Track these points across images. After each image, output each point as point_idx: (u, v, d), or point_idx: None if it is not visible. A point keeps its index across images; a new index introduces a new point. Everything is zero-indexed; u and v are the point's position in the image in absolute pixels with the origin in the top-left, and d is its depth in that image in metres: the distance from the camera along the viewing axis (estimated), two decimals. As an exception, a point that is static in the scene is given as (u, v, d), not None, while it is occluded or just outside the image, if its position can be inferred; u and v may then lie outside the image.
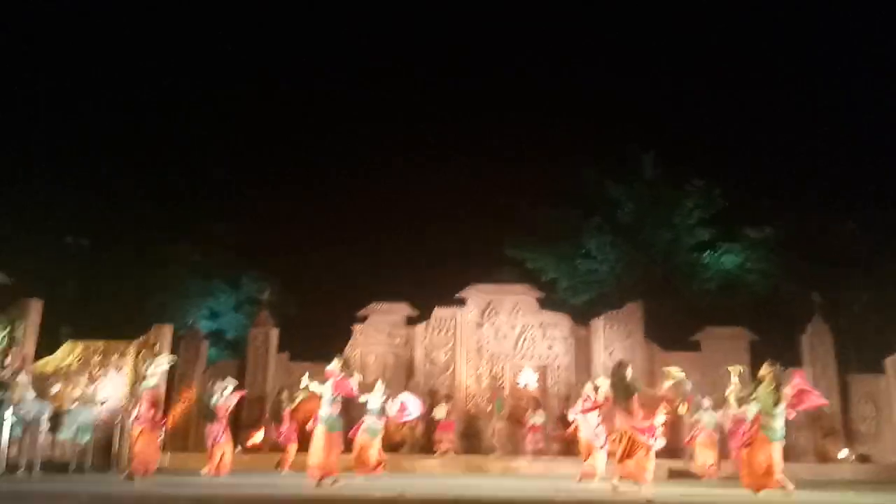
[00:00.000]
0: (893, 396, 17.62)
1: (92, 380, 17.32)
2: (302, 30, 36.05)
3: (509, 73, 32.76)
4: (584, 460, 12.90)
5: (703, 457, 14.67)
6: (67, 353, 17.97)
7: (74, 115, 28.57)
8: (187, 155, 29.05)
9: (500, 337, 19.45)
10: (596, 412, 12.54)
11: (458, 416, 18.47)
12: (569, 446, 17.13)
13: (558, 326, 19.49)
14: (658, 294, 22.95)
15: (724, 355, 18.23)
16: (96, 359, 17.85)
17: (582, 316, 20.36)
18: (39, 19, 29.54)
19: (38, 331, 17.27)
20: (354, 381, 11.79)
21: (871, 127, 27.22)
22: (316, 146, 31.05)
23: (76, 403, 16.00)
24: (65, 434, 14.66)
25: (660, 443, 10.79)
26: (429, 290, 21.08)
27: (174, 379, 18.31)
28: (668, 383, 10.76)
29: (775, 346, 16.99)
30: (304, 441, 12.31)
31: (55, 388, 16.71)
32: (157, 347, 17.88)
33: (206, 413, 14.51)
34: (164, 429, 12.42)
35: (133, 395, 15.78)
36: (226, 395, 13.82)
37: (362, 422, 13.23)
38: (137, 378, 15.81)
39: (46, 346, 17.94)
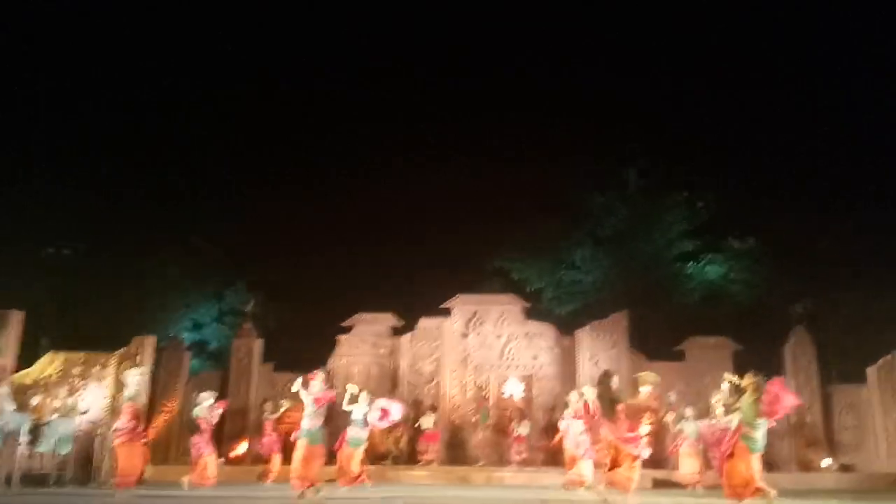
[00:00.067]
0: (875, 406, 17.72)
1: (72, 391, 17.11)
2: (297, 39, 36.04)
3: (496, 87, 32.84)
4: (568, 470, 12.90)
5: (687, 466, 14.67)
6: (47, 365, 17.73)
7: (59, 125, 28.40)
8: (170, 165, 28.95)
9: (485, 347, 19.43)
10: (581, 421, 12.53)
11: (443, 427, 18.42)
12: (553, 456, 17.13)
13: (543, 336, 19.50)
14: (642, 304, 23.00)
15: (708, 365, 18.37)
16: (77, 370, 17.64)
17: (567, 326, 20.38)
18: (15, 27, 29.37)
19: (18, 342, 17.05)
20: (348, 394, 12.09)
21: (854, 142, 27.47)
22: (302, 157, 30.97)
23: (56, 415, 15.83)
24: (44, 446, 14.47)
25: (645, 452, 10.78)
26: (414, 301, 21.06)
27: (156, 390, 18.14)
28: (645, 388, 10.78)
29: (758, 356, 17.10)
30: (288, 451, 12.21)
31: (35, 400, 16.48)
32: (138, 359, 17.72)
33: (188, 425, 14.41)
34: (145, 441, 12.26)
35: (114, 407, 15.65)
36: (206, 406, 13.74)
37: (346, 432, 13.21)
38: (119, 390, 15.65)
39: (26, 357, 17.70)
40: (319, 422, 11.00)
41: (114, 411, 15.56)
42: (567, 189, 26.44)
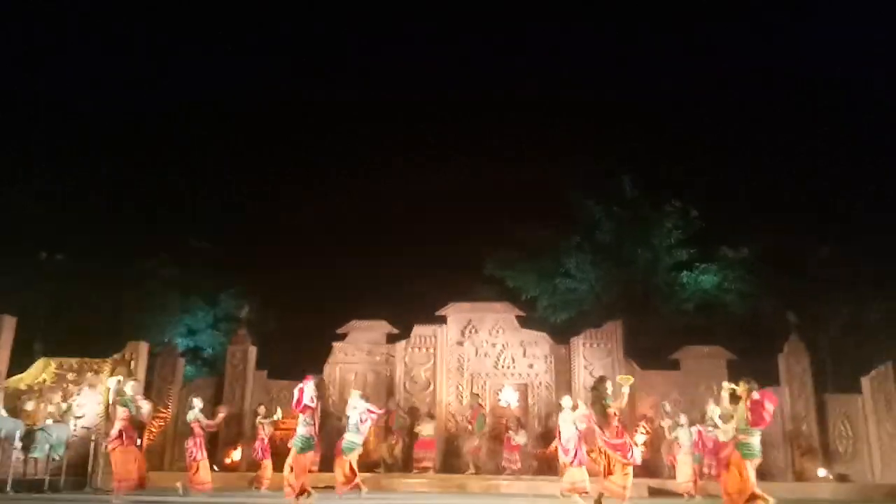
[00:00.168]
0: (869, 417, 17.77)
1: (66, 397, 17.05)
2: (296, 41, 36.07)
3: (492, 94, 32.96)
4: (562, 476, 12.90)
5: (682, 475, 14.67)
6: (41, 371, 17.69)
7: (54, 128, 28.33)
8: (165, 171, 28.89)
9: (480, 355, 19.41)
10: (571, 428, 12.51)
11: (439, 434, 18.37)
12: (548, 464, 17.13)
13: (538, 345, 19.49)
14: (637, 313, 23.08)
15: (703, 374, 18.43)
16: (71, 376, 17.61)
17: (562, 334, 20.38)
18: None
19: (11, 347, 16.95)
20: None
21: (850, 148, 27.61)
22: (296, 163, 30.98)
23: (50, 420, 15.76)
24: (38, 452, 14.39)
25: (637, 459, 10.75)
26: (409, 308, 21.06)
27: (150, 397, 18.03)
28: (625, 390, 10.81)
29: (753, 366, 17.09)
30: (282, 458, 12.17)
31: (29, 406, 16.43)
32: (132, 365, 17.68)
33: (183, 431, 14.41)
34: (140, 446, 12.22)
35: (108, 413, 15.59)
36: (197, 409, 13.84)
37: (343, 439, 13.25)
38: (112, 396, 15.59)
39: (19, 363, 17.63)
40: (312, 430, 10.98)
41: (108, 417, 15.52)
42: (562, 197, 26.51)
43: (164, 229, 27.24)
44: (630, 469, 10.55)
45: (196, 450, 13.64)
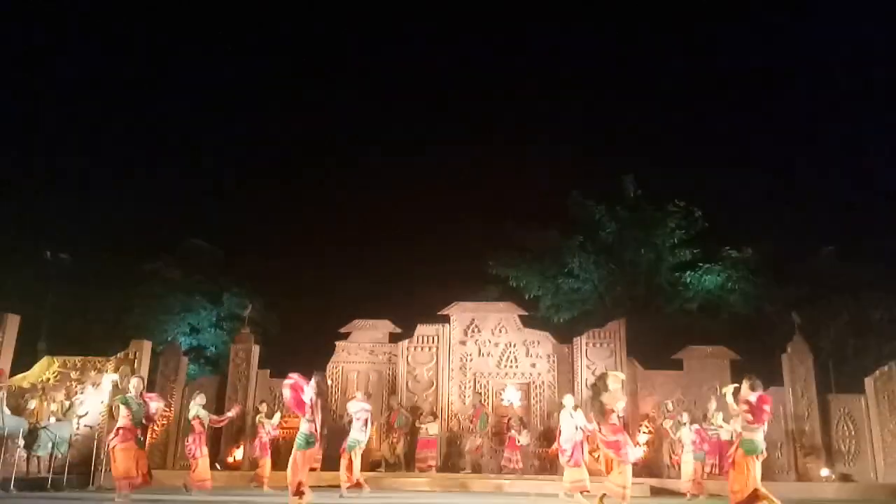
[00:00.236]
0: (873, 416, 17.74)
1: (69, 395, 17.07)
2: (297, 42, 36.09)
3: (497, 92, 33.02)
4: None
5: (685, 473, 14.65)
6: (44, 369, 17.70)
7: (58, 129, 28.42)
8: (169, 170, 28.98)
9: (483, 354, 19.40)
10: (569, 427, 12.50)
11: (441, 434, 18.37)
12: (551, 463, 17.13)
13: (541, 344, 19.47)
14: (640, 312, 23.06)
15: (706, 374, 18.40)
16: (74, 374, 17.62)
17: (565, 334, 20.34)
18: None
19: (15, 346, 16.99)
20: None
21: (854, 152, 27.64)
22: (300, 163, 31.03)
23: (53, 419, 15.79)
24: (41, 450, 14.42)
25: (631, 457, 10.71)
26: (412, 307, 21.04)
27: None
28: (614, 386, 10.80)
29: (756, 366, 17.04)
30: (284, 456, 12.19)
31: (32, 404, 16.45)
32: (135, 363, 17.70)
33: (186, 429, 14.46)
34: (143, 444, 12.23)
35: (111, 412, 15.62)
36: (199, 406, 13.88)
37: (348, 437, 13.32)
38: (115, 394, 15.61)
39: (23, 361, 17.67)
40: (313, 426, 10.95)
41: (111, 415, 15.55)
42: (564, 196, 26.50)
43: (167, 230, 27.33)
44: (626, 468, 10.51)
45: (195, 447, 13.69)
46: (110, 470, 11.61)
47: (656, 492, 15.40)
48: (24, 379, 17.38)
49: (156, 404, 12.06)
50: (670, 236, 25.39)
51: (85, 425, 16.51)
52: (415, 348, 19.44)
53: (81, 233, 25.72)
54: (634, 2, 33.51)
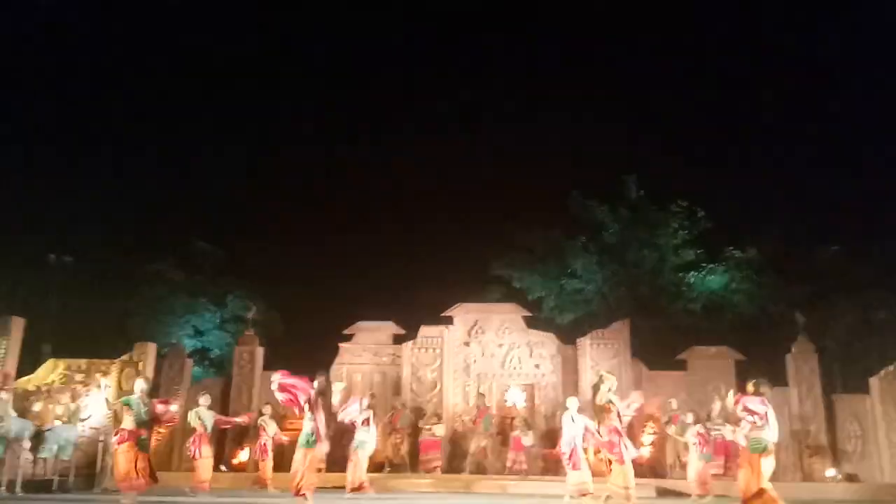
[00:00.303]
0: (879, 416, 17.69)
1: (74, 398, 17.10)
2: (297, 42, 36.11)
3: (499, 93, 33.03)
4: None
5: (690, 474, 14.60)
6: (49, 372, 17.75)
7: (61, 130, 28.47)
8: (172, 171, 29.01)
9: (486, 356, 19.39)
10: (569, 429, 12.46)
11: (445, 435, 18.35)
12: (555, 464, 17.09)
13: (545, 345, 19.46)
14: (644, 313, 23.01)
15: (710, 374, 18.39)
16: (79, 377, 17.66)
17: (569, 335, 20.35)
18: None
19: (20, 349, 17.03)
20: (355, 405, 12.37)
21: (858, 148, 27.61)
22: (302, 164, 31.03)
23: (58, 421, 15.80)
24: (47, 452, 14.44)
25: (627, 456, 10.70)
26: (415, 309, 21.02)
27: (158, 398, 18.05)
28: (605, 386, 10.81)
29: (760, 366, 17.04)
30: (288, 457, 12.18)
31: (37, 407, 16.45)
32: (140, 366, 17.73)
33: (191, 431, 14.46)
34: (147, 446, 12.23)
35: (115, 414, 15.62)
36: (203, 407, 13.89)
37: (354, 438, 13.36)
38: (120, 396, 15.63)
39: (28, 364, 17.72)
40: (314, 424, 10.93)
41: (115, 417, 15.55)
42: (567, 197, 26.45)
43: (170, 232, 27.33)
44: (625, 468, 10.49)
45: (195, 448, 13.70)
46: (115, 471, 11.61)
47: (662, 493, 15.35)
48: (30, 382, 17.43)
49: (174, 407, 12.05)
50: (673, 236, 25.35)
51: (90, 427, 16.53)
52: (418, 350, 19.43)
53: (84, 235, 25.74)
54: (634, 2, 33.53)
